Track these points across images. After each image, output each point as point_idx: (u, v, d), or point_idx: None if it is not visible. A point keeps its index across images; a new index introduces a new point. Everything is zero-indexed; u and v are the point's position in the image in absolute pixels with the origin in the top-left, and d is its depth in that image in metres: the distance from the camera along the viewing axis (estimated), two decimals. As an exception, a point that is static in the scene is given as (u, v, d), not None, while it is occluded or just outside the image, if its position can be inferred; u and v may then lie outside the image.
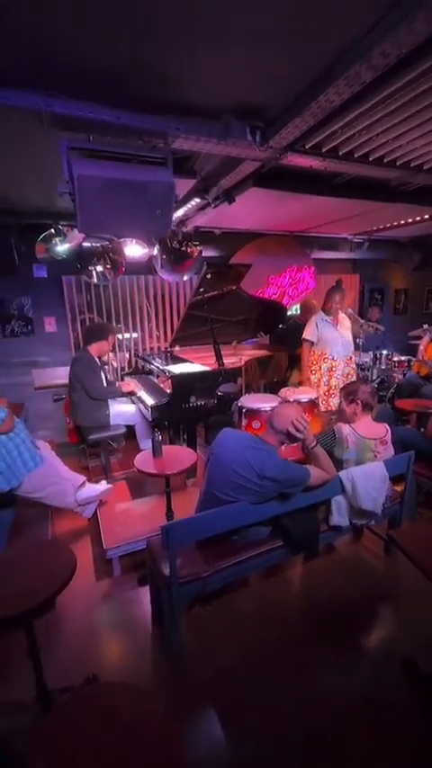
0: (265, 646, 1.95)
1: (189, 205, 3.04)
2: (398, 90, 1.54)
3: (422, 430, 3.23)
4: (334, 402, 3.69)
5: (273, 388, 4.04)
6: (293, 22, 1.27)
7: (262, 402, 3.14)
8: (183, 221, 3.78)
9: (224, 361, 3.52)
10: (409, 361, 4.72)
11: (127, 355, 4.89)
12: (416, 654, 1.84)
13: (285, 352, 4.40)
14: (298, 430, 1.90)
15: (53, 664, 1.82)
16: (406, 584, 2.35)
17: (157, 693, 1.73)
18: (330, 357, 3.73)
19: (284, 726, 1.58)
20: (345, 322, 3.86)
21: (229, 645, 1.95)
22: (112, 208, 1.77)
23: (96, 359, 3.49)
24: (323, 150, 2.06)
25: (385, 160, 2.25)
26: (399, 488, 2.45)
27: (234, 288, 3.80)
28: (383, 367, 4.62)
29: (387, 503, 2.31)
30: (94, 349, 3.47)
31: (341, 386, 3.74)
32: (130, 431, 3.61)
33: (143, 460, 2.48)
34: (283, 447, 2.02)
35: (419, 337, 4.63)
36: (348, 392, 2.34)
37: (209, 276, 3.39)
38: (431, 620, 2.04)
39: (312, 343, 3.75)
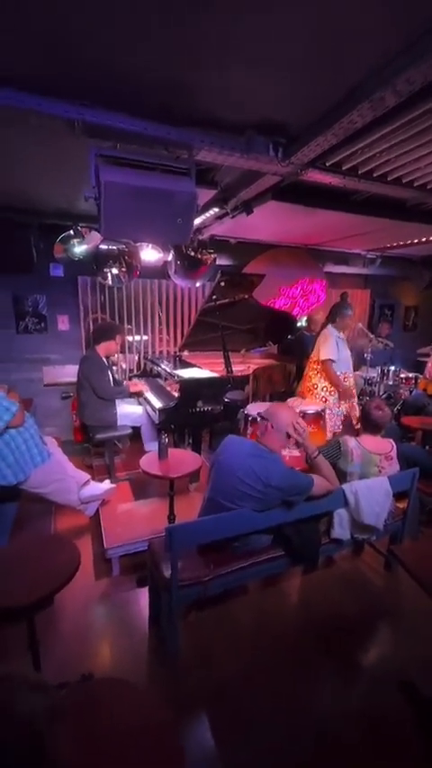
0: (261, 656, 1.95)
1: (208, 214, 3.10)
2: (420, 115, 1.58)
3: (427, 447, 3.24)
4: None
5: (279, 398, 4.05)
6: (321, 48, 1.32)
7: (268, 411, 3.16)
8: (200, 229, 3.84)
9: (233, 369, 3.55)
10: (416, 378, 4.72)
11: (136, 357, 4.94)
12: (414, 674, 1.83)
13: (293, 362, 4.43)
14: (298, 432, 1.93)
15: (49, 659, 1.83)
16: (406, 601, 2.35)
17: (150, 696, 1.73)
18: (350, 375, 3.73)
19: (277, 738, 1.58)
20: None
21: (226, 653, 1.96)
22: (135, 214, 1.82)
23: (104, 359, 3.54)
24: (343, 168, 2.10)
25: (403, 181, 2.29)
26: (402, 505, 2.45)
27: (246, 296, 3.84)
28: (391, 383, 4.62)
29: (389, 519, 2.31)
30: (101, 349, 3.53)
31: (352, 401, 3.76)
32: (136, 432, 3.64)
33: (148, 462, 2.51)
34: (286, 453, 2.03)
35: (428, 354, 4.64)
36: (363, 412, 2.35)
37: (222, 284, 3.44)
38: (428, 637, 2.03)
39: (333, 362, 3.56)
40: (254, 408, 3.29)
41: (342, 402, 3.65)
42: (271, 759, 1.51)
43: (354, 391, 3.72)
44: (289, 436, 1.95)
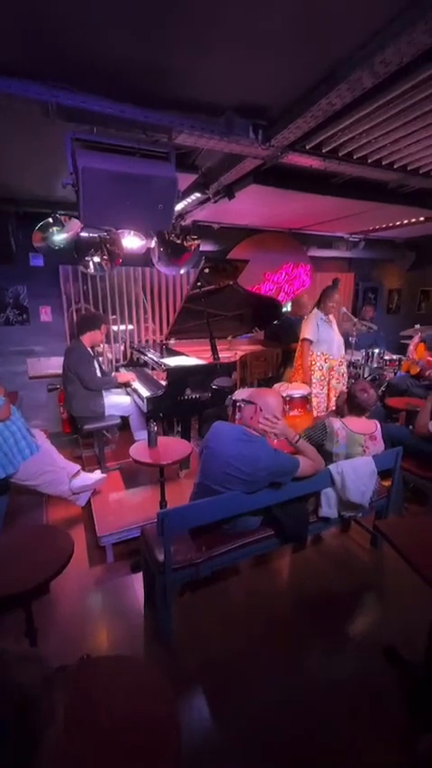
0: (253, 631, 2.02)
1: (189, 199, 3.06)
2: (397, 97, 1.59)
3: (411, 427, 3.33)
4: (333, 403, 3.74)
5: (267, 384, 4.09)
6: (298, 27, 1.31)
7: (256, 396, 3.20)
8: (182, 215, 3.79)
9: (219, 355, 3.56)
10: (399, 360, 4.81)
11: (122, 347, 4.90)
12: (397, 641, 1.93)
13: (280, 347, 4.46)
14: (269, 426, 1.97)
15: (47, 645, 1.88)
16: (390, 575, 2.45)
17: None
18: (331, 357, 3.77)
19: (272, 709, 1.65)
20: (335, 324, 3.87)
21: (219, 631, 2.02)
22: (114, 200, 1.79)
23: (89, 349, 3.51)
24: (323, 151, 2.10)
25: (383, 163, 2.30)
26: (387, 484, 2.53)
27: (231, 283, 3.83)
28: (375, 365, 4.70)
29: (375, 497, 2.38)
30: (86, 339, 3.49)
31: (339, 386, 3.83)
32: (124, 422, 3.64)
33: (138, 450, 2.53)
34: (274, 438, 2.07)
35: (411, 337, 4.72)
36: (351, 392, 2.38)
37: (207, 270, 3.42)
38: (412, 609, 2.13)
39: (311, 342, 3.67)
40: (242, 394, 3.32)
41: (321, 385, 3.71)
42: (263, 726, 1.58)
43: (323, 375, 3.73)
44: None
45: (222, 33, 1.34)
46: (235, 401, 3.27)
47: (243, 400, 2.17)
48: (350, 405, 2.38)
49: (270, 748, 1.51)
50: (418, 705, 1.62)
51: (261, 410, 2.01)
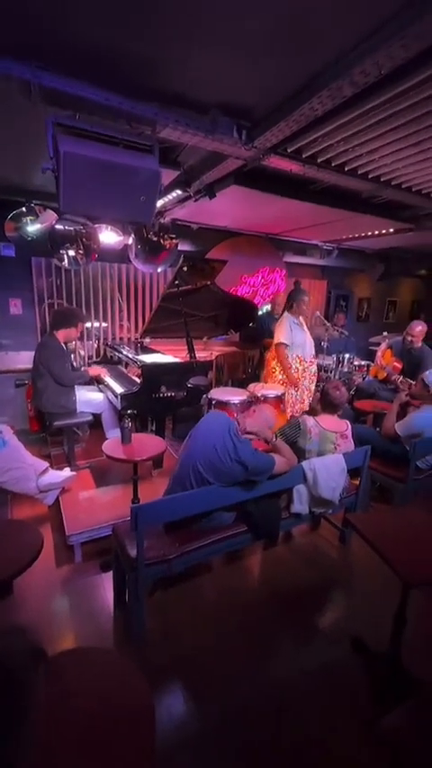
0: (226, 627, 2.03)
1: (170, 196, 3.06)
2: (374, 108, 1.67)
3: (378, 429, 3.46)
4: (307, 404, 3.83)
5: (241, 385, 4.13)
6: (283, 31, 1.35)
7: (231, 395, 3.23)
8: (161, 212, 3.78)
9: (196, 354, 3.56)
10: (368, 365, 5.00)
11: (95, 345, 4.80)
12: (364, 632, 1.99)
13: (255, 350, 4.52)
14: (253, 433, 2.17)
15: (11, 649, 1.79)
16: (357, 570, 2.53)
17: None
18: (304, 359, 3.86)
19: (244, 701, 1.66)
20: (305, 326, 3.95)
21: (191, 628, 2.01)
22: (95, 189, 1.77)
23: (63, 345, 3.42)
24: (304, 156, 2.17)
25: (359, 172, 2.40)
26: (355, 482, 2.62)
27: (208, 283, 3.85)
28: (345, 370, 4.86)
29: (344, 494, 2.46)
30: (61, 335, 3.39)
31: (310, 387, 3.92)
32: (96, 420, 3.56)
33: (112, 447, 2.48)
34: (253, 437, 2.14)
35: (379, 344, 4.91)
36: (324, 390, 2.46)
37: (185, 269, 3.42)
38: (378, 602, 2.20)
39: (286, 346, 3.71)
40: (218, 393, 3.34)
41: (295, 387, 3.79)
42: (236, 717, 1.59)
43: (299, 377, 3.81)
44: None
45: (208, 28, 1.36)
46: (211, 399, 3.30)
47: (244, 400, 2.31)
48: (324, 402, 2.45)
49: (242, 739, 1.51)
50: (383, 691, 1.67)
51: (255, 412, 2.20)
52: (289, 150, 2.11)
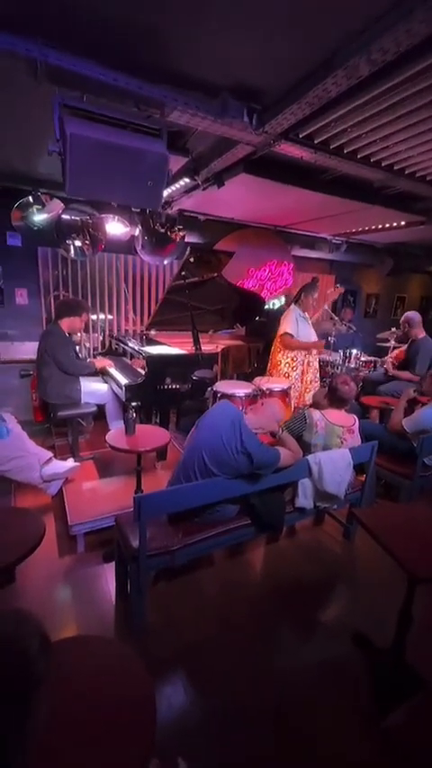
0: (228, 620, 2.01)
1: (178, 185, 3.02)
2: (391, 89, 1.61)
3: (384, 425, 3.41)
4: (309, 397, 3.80)
5: (246, 378, 4.10)
6: (299, 6, 1.29)
7: (236, 388, 3.19)
8: (168, 203, 3.73)
9: (201, 346, 3.52)
10: (375, 362, 4.94)
11: (100, 337, 4.77)
12: (367, 628, 1.96)
13: (261, 343, 4.47)
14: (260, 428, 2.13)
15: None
16: (361, 566, 2.50)
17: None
18: (309, 352, 3.82)
19: (245, 693, 1.64)
20: (310, 320, 3.94)
21: (193, 621, 1.99)
22: (102, 172, 1.73)
23: (67, 334, 3.40)
24: (315, 142, 2.11)
25: (372, 160, 2.34)
26: (361, 478, 2.58)
27: (215, 275, 3.81)
28: (352, 365, 4.80)
29: (349, 489, 2.42)
30: (65, 324, 3.37)
31: (314, 380, 3.89)
32: (100, 411, 3.54)
33: (115, 437, 2.46)
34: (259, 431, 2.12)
35: (387, 339, 4.84)
36: (332, 385, 2.42)
37: (191, 260, 3.38)
38: (382, 598, 2.17)
39: (292, 336, 3.72)
40: (222, 386, 3.31)
41: (301, 378, 3.77)
42: (237, 710, 1.57)
43: (305, 369, 3.83)
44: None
45: (222, 7, 1.31)
46: (216, 392, 3.27)
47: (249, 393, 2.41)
48: (332, 397, 2.41)
49: (243, 733, 1.49)
50: (387, 688, 1.65)
51: (263, 405, 2.21)
52: (300, 136, 2.05)
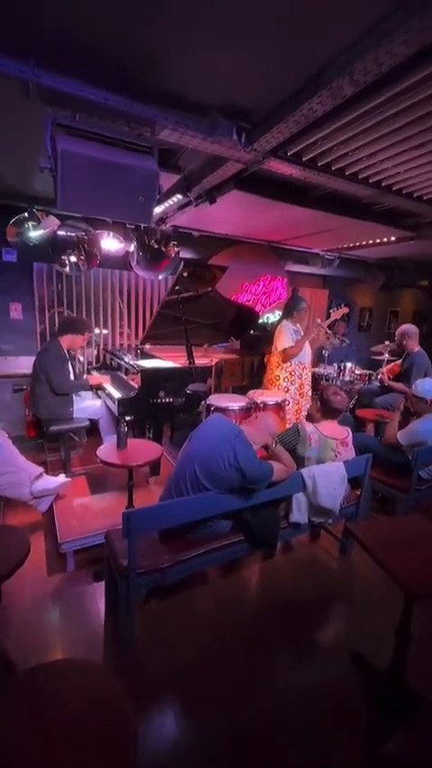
0: (222, 641, 1.94)
1: (171, 201, 3.07)
2: (374, 108, 1.66)
3: (379, 438, 3.39)
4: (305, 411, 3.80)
5: (241, 391, 4.09)
6: (286, 30, 1.34)
7: (230, 401, 3.18)
8: (163, 219, 3.79)
9: (195, 360, 3.52)
10: (370, 374, 4.95)
11: (95, 351, 4.77)
12: (364, 647, 1.90)
13: (256, 357, 4.48)
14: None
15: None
16: (358, 583, 2.44)
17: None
18: (306, 366, 3.84)
19: (239, 716, 1.57)
20: (319, 333, 3.97)
21: (186, 641, 1.93)
22: (93, 188, 1.75)
23: (66, 351, 3.38)
24: (303, 159, 2.16)
25: (359, 176, 2.39)
26: (356, 492, 2.55)
27: (209, 290, 3.84)
28: (347, 378, 4.82)
29: (344, 503, 2.38)
30: (65, 341, 3.36)
31: (308, 392, 3.89)
32: (93, 426, 3.51)
33: (107, 451, 2.43)
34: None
35: (381, 353, 4.87)
36: (324, 397, 2.41)
37: (185, 275, 3.41)
38: (379, 616, 2.11)
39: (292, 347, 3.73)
40: (217, 399, 3.29)
41: (301, 395, 3.77)
42: (230, 733, 1.50)
43: (302, 383, 3.84)
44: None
45: (209, 24, 1.35)
46: (209, 405, 3.26)
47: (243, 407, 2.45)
48: (325, 409, 2.39)
49: (237, 760, 1.42)
50: (386, 710, 1.58)
51: (257, 419, 2.22)
52: (289, 153, 2.10)
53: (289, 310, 3.84)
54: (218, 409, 3.12)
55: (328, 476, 2.22)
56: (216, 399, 3.27)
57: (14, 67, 1.48)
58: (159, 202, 3.17)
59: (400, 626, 1.58)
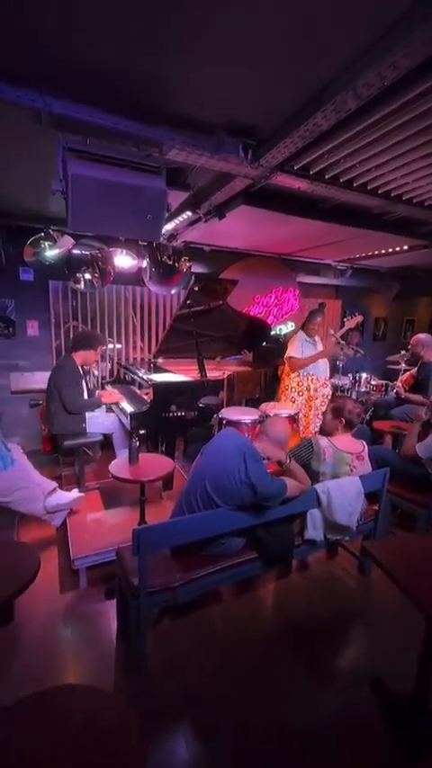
0: (235, 663, 1.88)
1: (181, 218, 3.12)
2: (379, 120, 1.65)
3: (397, 450, 3.29)
4: (315, 426, 3.74)
5: (254, 404, 4.06)
6: (284, 48, 1.36)
7: (242, 414, 3.15)
8: (173, 235, 3.85)
9: (207, 373, 3.52)
10: (386, 385, 4.85)
11: (109, 365, 4.84)
12: (384, 672, 1.81)
13: (269, 369, 4.46)
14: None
15: (8, 676, 1.71)
16: (378, 603, 2.34)
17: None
18: (316, 378, 3.80)
19: (254, 742, 1.51)
20: (320, 345, 3.94)
21: (199, 663, 1.87)
22: (103, 208, 1.80)
23: (79, 367, 3.42)
24: (310, 173, 2.16)
25: (368, 187, 2.38)
26: (374, 507, 2.46)
27: (220, 303, 3.86)
28: (362, 389, 4.73)
29: (362, 519, 2.31)
30: (79, 357, 3.40)
31: (321, 407, 3.83)
32: (107, 440, 3.52)
33: (118, 466, 2.43)
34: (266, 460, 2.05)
35: (397, 363, 4.77)
36: (336, 407, 2.37)
37: (196, 289, 3.44)
38: (399, 638, 2.02)
39: (298, 358, 3.79)
40: (229, 413, 3.27)
41: (309, 408, 3.73)
42: (246, 762, 1.43)
43: (310, 396, 3.82)
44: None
45: (212, 50, 1.39)
46: (222, 419, 3.24)
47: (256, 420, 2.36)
48: (337, 419, 2.33)
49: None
50: (407, 740, 1.49)
51: (263, 433, 2.14)
52: (295, 167, 2.11)
53: (304, 322, 3.90)
54: (230, 423, 3.09)
55: (344, 491, 2.16)
56: (228, 413, 3.25)
57: (26, 97, 1.55)
58: (169, 219, 3.22)
59: (422, 652, 1.49)
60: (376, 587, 2.44)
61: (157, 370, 4.15)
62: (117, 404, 3.55)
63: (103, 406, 3.64)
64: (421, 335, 4.10)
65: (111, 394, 3.61)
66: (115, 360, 4.82)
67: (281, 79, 1.52)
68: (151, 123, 1.77)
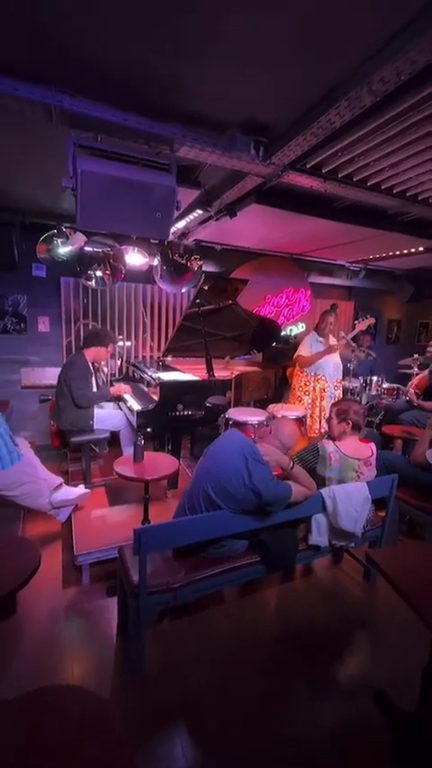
0: (235, 668, 1.85)
1: (192, 216, 3.10)
2: (394, 117, 1.61)
3: (407, 456, 3.22)
4: (320, 426, 3.70)
5: (262, 405, 4.02)
6: (298, 44, 1.33)
7: (248, 415, 3.12)
8: (185, 234, 3.84)
9: (215, 373, 3.50)
10: (398, 388, 4.76)
11: (119, 362, 4.86)
12: (387, 684, 1.76)
13: (278, 370, 4.43)
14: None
15: (7, 672, 1.72)
16: (383, 612, 2.29)
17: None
18: (323, 378, 3.76)
19: (254, 750, 1.49)
20: (334, 346, 3.90)
21: (197, 665, 1.85)
22: (112, 205, 1.79)
23: (90, 364, 3.43)
24: (323, 171, 2.13)
25: (382, 187, 2.33)
26: (381, 514, 2.41)
27: (230, 302, 3.83)
28: (373, 393, 4.65)
29: (368, 526, 2.26)
30: (90, 353, 3.41)
31: (325, 408, 3.79)
32: (115, 437, 3.54)
33: (123, 464, 2.43)
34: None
35: (410, 366, 4.67)
36: (340, 410, 2.33)
37: (206, 287, 3.42)
38: (404, 651, 1.97)
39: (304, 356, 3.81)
40: (235, 413, 3.25)
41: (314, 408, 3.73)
42: (239, 778, 1.41)
43: (316, 396, 3.82)
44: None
45: (225, 48, 1.37)
46: (228, 419, 3.21)
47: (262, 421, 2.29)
48: (352, 424, 2.28)
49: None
50: (410, 757, 1.45)
51: (271, 433, 2.09)
52: (308, 166, 2.07)
53: (318, 323, 3.91)
54: (236, 423, 3.07)
55: (350, 497, 2.11)
56: (234, 413, 3.22)
57: (39, 93, 1.55)
58: (180, 217, 3.21)
59: (426, 667, 1.45)
60: (381, 596, 2.39)
61: (166, 368, 4.14)
62: (124, 399, 3.55)
63: (111, 403, 3.65)
64: None
65: (119, 387, 3.62)
66: (125, 357, 4.84)
67: (295, 76, 1.49)
68: (164, 120, 1.76)
